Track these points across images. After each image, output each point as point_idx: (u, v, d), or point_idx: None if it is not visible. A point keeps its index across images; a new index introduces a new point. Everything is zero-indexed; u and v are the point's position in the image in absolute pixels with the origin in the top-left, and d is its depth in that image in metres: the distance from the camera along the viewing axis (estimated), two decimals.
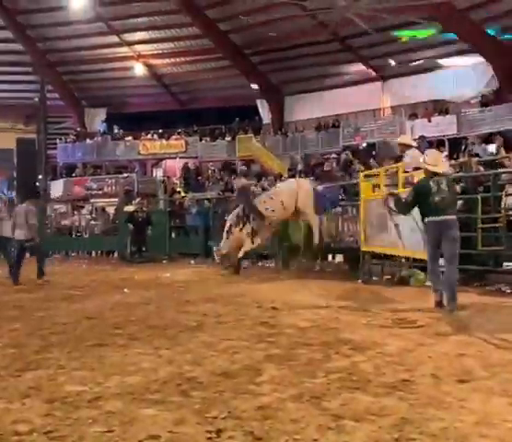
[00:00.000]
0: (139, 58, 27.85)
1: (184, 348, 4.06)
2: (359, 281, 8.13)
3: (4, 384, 3.31)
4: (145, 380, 3.26)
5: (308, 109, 26.85)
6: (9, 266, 9.75)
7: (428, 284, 7.57)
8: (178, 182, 19.19)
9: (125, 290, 7.74)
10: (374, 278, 8.27)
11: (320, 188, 10.22)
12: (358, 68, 25.53)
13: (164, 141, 28.04)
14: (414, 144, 8.53)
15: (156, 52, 27.55)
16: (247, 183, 11.26)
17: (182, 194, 15.86)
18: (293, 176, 21.99)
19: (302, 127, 26.97)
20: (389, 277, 8.17)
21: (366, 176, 8.75)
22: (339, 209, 9.37)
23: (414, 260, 7.73)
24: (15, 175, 26.47)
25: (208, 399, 2.91)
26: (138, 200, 15.42)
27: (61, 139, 28.88)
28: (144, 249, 13.98)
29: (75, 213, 18.94)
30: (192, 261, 12.70)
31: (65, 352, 4.08)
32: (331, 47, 24.89)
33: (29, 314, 5.96)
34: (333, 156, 23.19)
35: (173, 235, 14.58)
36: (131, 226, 14.14)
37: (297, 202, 9.55)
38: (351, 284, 8.03)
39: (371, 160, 20.86)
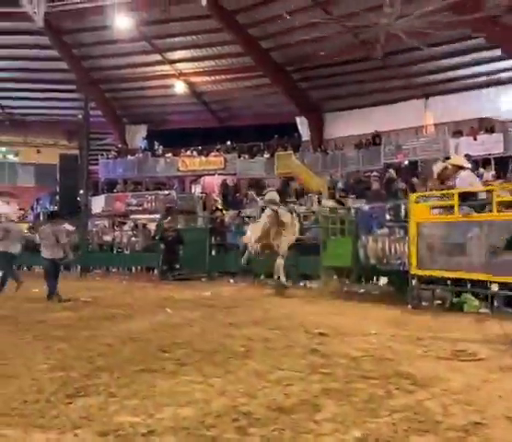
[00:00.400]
0: (180, 76, 28.21)
1: (235, 377, 3.91)
2: (408, 306, 7.84)
3: (55, 412, 3.23)
4: (199, 413, 3.12)
5: (348, 126, 26.63)
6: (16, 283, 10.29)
7: (482, 310, 7.27)
8: (218, 199, 19.16)
9: (167, 310, 7.65)
10: (424, 303, 7.98)
11: (365, 207, 10.00)
12: (400, 84, 25.21)
13: (203, 158, 28.23)
14: (468, 165, 8.24)
15: (196, 69, 27.87)
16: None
17: (223, 211, 15.76)
18: (333, 195, 21.86)
19: (342, 144, 26.76)
20: (440, 302, 7.86)
21: (419, 197, 8.51)
22: (386, 230, 9.10)
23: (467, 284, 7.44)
24: (57, 190, 27.01)
25: (267, 438, 2.75)
26: (169, 218, 15.51)
27: (102, 155, 29.41)
28: (177, 266, 14.02)
29: (116, 228, 19.09)
30: (232, 280, 12.57)
31: (114, 377, 3.98)
32: (372, 64, 24.65)
33: (74, 334, 5.92)
34: (374, 174, 22.90)
35: (213, 252, 14.51)
36: (162, 244, 14.26)
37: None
38: (399, 308, 7.75)
39: (414, 179, 20.50)
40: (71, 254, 10.07)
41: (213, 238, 14.42)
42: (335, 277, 10.39)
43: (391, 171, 20.56)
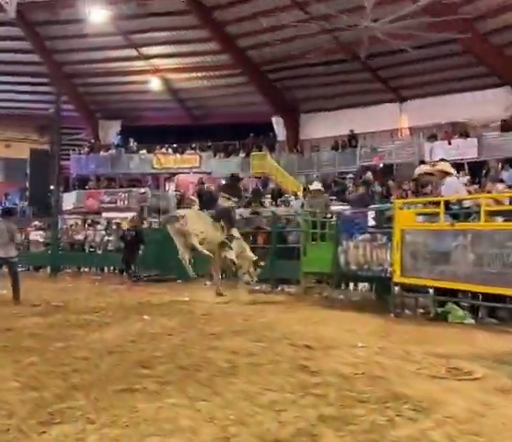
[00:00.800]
0: (156, 72, 27.75)
1: (223, 400, 3.65)
2: (391, 314, 7.70)
3: None
4: None
5: (324, 127, 26.57)
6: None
7: (467, 321, 7.17)
8: (194, 199, 18.83)
9: (145, 317, 7.34)
10: (407, 312, 7.85)
11: (347, 212, 9.86)
12: (376, 87, 25.25)
13: (178, 155, 27.83)
14: (453, 171, 8.15)
15: (172, 66, 27.45)
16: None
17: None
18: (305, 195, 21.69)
19: (318, 145, 26.71)
20: (423, 312, 7.74)
21: (405, 204, 8.39)
22: (367, 236, 8.95)
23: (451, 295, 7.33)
24: (27, 185, 26.30)
25: None
26: (131, 217, 15.20)
27: (74, 150, 28.74)
28: (133, 268, 13.77)
29: (89, 227, 18.59)
30: (208, 283, 12.28)
31: (92, 398, 3.69)
32: (349, 66, 24.64)
33: (45, 345, 5.57)
34: (350, 175, 22.89)
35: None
36: (122, 244, 13.96)
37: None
38: (382, 317, 7.60)
39: (390, 182, 20.50)
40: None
41: None
42: (314, 283, 10.21)
43: (369, 174, 20.53)
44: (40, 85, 28.54)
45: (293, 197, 20.90)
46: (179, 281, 13.11)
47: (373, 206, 10.55)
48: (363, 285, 10.64)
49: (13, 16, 24.14)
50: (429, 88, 23.50)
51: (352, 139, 25.09)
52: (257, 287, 11.06)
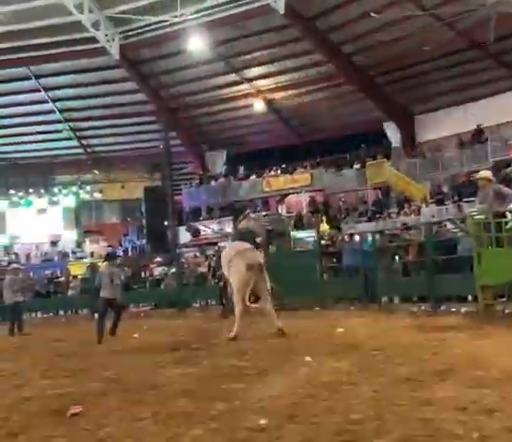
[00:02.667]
0: (258, 94, 27.04)
1: None
2: None
3: None
4: None
5: (443, 126, 24.31)
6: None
7: None
8: (323, 218, 17.54)
9: (307, 359, 6.01)
10: None
11: None
12: (500, 75, 22.71)
13: (288, 176, 26.78)
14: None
15: (274, 85, 26.57)
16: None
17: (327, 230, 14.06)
18: (440, 200, 19.64)
19: (438, 146, 24.48)
20: None
21: None
22: None
23: None
24: (144, 223, 26.48)
25: None
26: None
27: (186, 184, 28.70)
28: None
29: (211, 257, 17.80)
30: (352, 307, 10.80)
31: None
32: (467, 56, 22.39)
33: (204, 407, 4.40)
34: None
35: (324, 277, 12.82)
36: None
37: None
38: None
39: None
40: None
41: (323, 261, 12.71)
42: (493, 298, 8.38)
43: (510, 169, 18.13)
44: (147, 123, 28.85)
45: (423, 204, 18.92)
46: (316, 308, 11.73)
47: None
48: None
49: (117, 57, 24.59)
50: None
51: (479, 134, 22.66)
52: (414, 309, 9.41)
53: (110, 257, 11.14)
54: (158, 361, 6.79)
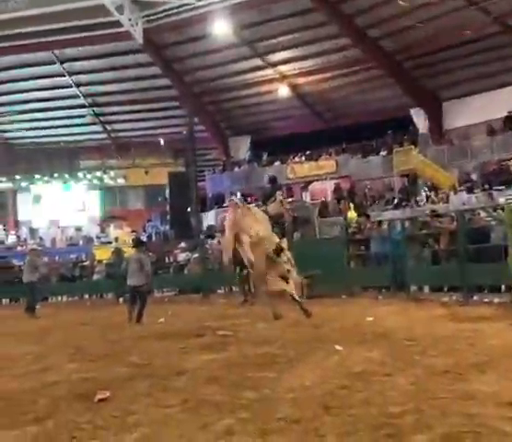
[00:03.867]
0: (283, 79, 26.69)
1: None
2: None
3: None
4: None
5: (472, 113, 23.66)
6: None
7: None
8: (351, 205, 17.25)
9: (337, 347, 5.84)
10: None
11: None
12: None
13: (313, 163, 26.47)
14: None
15: (299, 70, 26.19)
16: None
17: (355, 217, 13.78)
18: (469, 188, 19.23)
19: (466, 134, 23.89)
20: None
21: None
22: None
23: None
24: (168, 209, 26.45)
25: None
26: None
27: (209, 170, 28.56)
28: None
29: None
30: (380, 296, 10.57)
31: None
32: (499, 41, 21.71)
33: (234, 395, 4.27)
34: None
35: (352, 265, 12.59)
36: None
37: None
38: None
39: None
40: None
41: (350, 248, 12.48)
42: None
43: None
44: (171, 108, 28.75)
45: (451, 192, 18.51)
46: (343, 296, 11.53)
47: None
48: None
49: (141, 42, 24.47)
50: None
51: (510, 121, 22.04)
52: (445, 298, 9.16)
53: (138, 243, 11.09)
54: (185, 346, 6.70)
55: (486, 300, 9.04)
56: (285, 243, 8.65)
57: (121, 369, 5.59)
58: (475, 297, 9.31)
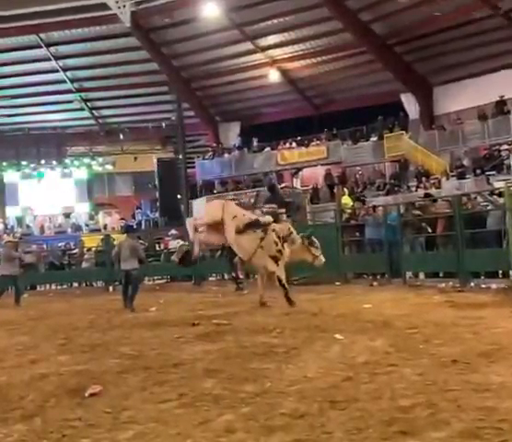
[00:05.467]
0: (273, 64, 26.37)
1: None
2: None
3: None
4: None
5: (463, 97, 23.52)
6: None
7: None
8: (346, 190, 17.04)
9: (337, 336, 5.66)
10: None
11: None
12: None
13: (303, 149, 26.23)
14: None
15: (290, 54, 25.88)
16: None
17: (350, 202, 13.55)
18: (461, 174, 19.14)
19: (457, 119, 23.75)
20: None
21: None
22: None
23: None
24: (157, 196, 26.10)
25: None
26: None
27: (198, 157, 28.22)
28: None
29: None
30: (375, 283, 10.41)
31: None
32: (489, 24, 21.54)
33: (233, 389, 4.07)
34: (505, 147, 20.04)
35: (346, 251, 12.39)
36: None
37: None
38: None
39: None
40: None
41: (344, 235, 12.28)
42: None
43: None
44: (160, 94, 28.30)
45: (443, 178, 18.38)
46: (337, 283, 11.35)
47: None
48: None
49: (128, 25, 24.00)
50: None
51: (500, 104, 21.90)
52: (441, 284, 9.01)
53: (129, 230, 11.25)
54: (179, 336, 6.48)
55: (484, 286, 8.91)
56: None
57: (113, 361, 5.36)
58: (472, 284, 9.17)
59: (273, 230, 8.45)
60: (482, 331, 5.44)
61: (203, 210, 9.58)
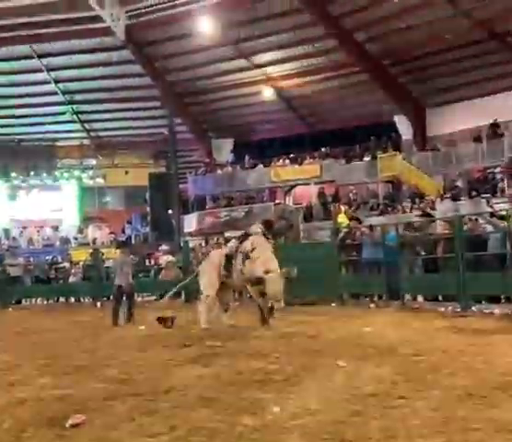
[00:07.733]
0: (267, 81, 26.22)
1: None
2: None
3: None
4: None
5: (456, 120, 23.49)
6: None
7: None
8: (343, 208, 16.75)
9: (340, 363, 5.31)
10: None
11: None
12: None
13: (297, 166, 26.02)
14: None
15: (284, 72, 25.76)
16: None
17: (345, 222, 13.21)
18: (455, 195, 18.97)
19: (450, 141, 23.69)
20: None
21: None
22: None
23: None
24: (148, 211, 25.72)
25: None
26: None
27: (191, 172, 27.93)
28: None
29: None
30: (372, 305, 10.09)
31: None
32: (484, 48, 21.56)
33: (231, 422, 3.71)
34: (498, 170, 19.99)
35: (343, 271, 12.06)
36: None
37: None
38: None
39: None
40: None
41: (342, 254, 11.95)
42: None
43: None
44: (152, 108, 28.05)
45: (438, 199, 18.19)
46: (333, 304, 11.01)
47: None
48: None
49: (122, 38, 23.79)
50: None
51: (494, 127, 21.87)
52: (441, 308, 8.71)
53: (123, 245, 11.60)
54: (170, 359, 6.12)
55: (486, 311, 8.61)
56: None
57: (98, 385, 4.99)
58: (474, 308, 8.87)
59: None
60: (494, 360, 5.12)
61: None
